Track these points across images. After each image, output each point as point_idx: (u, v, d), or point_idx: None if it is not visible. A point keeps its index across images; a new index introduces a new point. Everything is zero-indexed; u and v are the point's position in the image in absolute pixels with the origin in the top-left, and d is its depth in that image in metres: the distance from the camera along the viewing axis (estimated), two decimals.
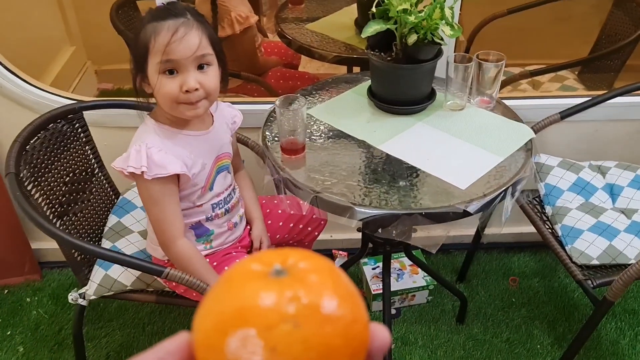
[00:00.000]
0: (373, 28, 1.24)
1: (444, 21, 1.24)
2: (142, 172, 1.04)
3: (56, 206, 1.30)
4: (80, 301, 1.33)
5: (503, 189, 1.12)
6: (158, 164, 1.06)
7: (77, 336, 1.42)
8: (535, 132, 1.53)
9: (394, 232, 1.09)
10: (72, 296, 1.33)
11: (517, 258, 1.97)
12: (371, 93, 1.40)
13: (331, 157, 1.23)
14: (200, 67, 1.06)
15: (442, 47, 1.31)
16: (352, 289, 0.32)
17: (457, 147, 1.25)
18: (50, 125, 1.34)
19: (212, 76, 1.07)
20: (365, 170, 1.19)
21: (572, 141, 1.75)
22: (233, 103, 1.62)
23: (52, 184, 1.30)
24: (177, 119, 1.12)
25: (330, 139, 1.29)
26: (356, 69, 1.94)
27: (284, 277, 0.31)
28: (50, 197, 1.29)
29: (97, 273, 1.33)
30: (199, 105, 1.07)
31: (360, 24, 1.82)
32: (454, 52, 1.66)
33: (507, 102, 1.48)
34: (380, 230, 1.12)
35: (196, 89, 1.04)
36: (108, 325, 1.74)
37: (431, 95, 1.39)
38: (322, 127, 1.33)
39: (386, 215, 1.08)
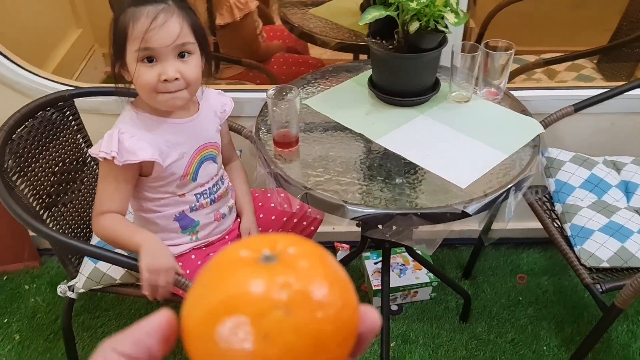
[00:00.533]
0: (372, 15, 1.17)
1: (448, 8, 1.16)
2: (113, 157, 1.01)
3: (44, 197, 1.27)
4: (69, 294, 1.30)
5: (505, 188, 1.06)
6: (129, 149, 1.02)
7: (67, 329, 1.39)
8: (547, 125, 1.46)
9: (388, 232, 1.03)
10: (60, 289, 1.30)
11: (526, 255, 1.90)
12: (372, 83, 1.33)
13: (325, 151, 1.17)
14: (181, 55, 1.02)
15: (447, 35, 1.23)
16: (341, 273, 0.32)
17: (459, 142, 1.18)
18: (38, 113, 1.30)
19: (193, 65, 1.03)
20: (361, 166, 1.13)
21: (586, 135, 1.66)
22: (232, 91, 1.57)
23: (39, 174, 1.27)
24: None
25: (327, 132, 1.23)
26: (363, 57, 1.87)
27: (273, 263, 0.30)
28: (38, 188, 1.25)
29: (87, 266, 1.29)
30: (178, 96, 1.03)
31: (365, 9, 1.74)
32: (464, 39, 1.59)
33: (517, 92, 1.40)
34: (380, 226, 1.06)
35: (176, 79, 1.00)
36: (104, 315, 1.72)
37: (435, 86, 1.32)
38: (318, 119, 1.27)
39: (379, 214, 1.02)
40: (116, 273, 1.28)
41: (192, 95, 1.08)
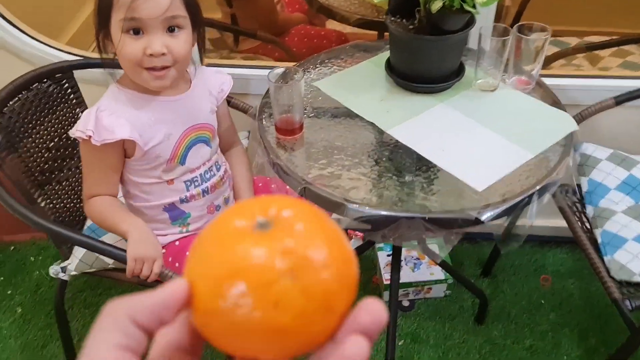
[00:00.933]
0: None
1: None
2: (89, 136, 0.95)
3: (36, 175, 1.21)
4: (62, 275, 1.25)
5: (527, 194, 0.94)
6: (107, 127, 0.96)
7: (60, 310, 1.35)
8: (584, 119, 1.32)
9: (391, 237, 0.93)
10: (53, 270, 1.25)
11: (552, 254, 1.77)
12: (389, 66, 1.22)
13: (331, 140, 1.07)
14: (171, 29, 0.94)
15: (474, 15, 1.10)
16: (336, 228, 0.32)
17: (480, 136, 1.06)
18: (34, 85, 1.23)
19: (182, 41, 0.95)
20: (368, 160, 1.03)
21: (627, 130, 1.51)
22: (240, 67, 1.47)
23: (32, 151, 1.20)
24: None
25: (335, 119, 1.13)
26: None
27: (270, 229, 0.30)
28: (30, 165, 1.19)
29: (80, 248, 1.24)
30: (164, 75, 0.95)
31: None
32: (498, 20, 1.44)
33: (553, 80, 1.27)
34: (385, 231, 0.97)
35: (163, 54, 0.92)
36: (107, 293, 1.69)
37: (459, 72, 1.19)
38: (327, 104, 1.17)
39: (382, 217, 0.92)
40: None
41: (180, 73, 1.00)
